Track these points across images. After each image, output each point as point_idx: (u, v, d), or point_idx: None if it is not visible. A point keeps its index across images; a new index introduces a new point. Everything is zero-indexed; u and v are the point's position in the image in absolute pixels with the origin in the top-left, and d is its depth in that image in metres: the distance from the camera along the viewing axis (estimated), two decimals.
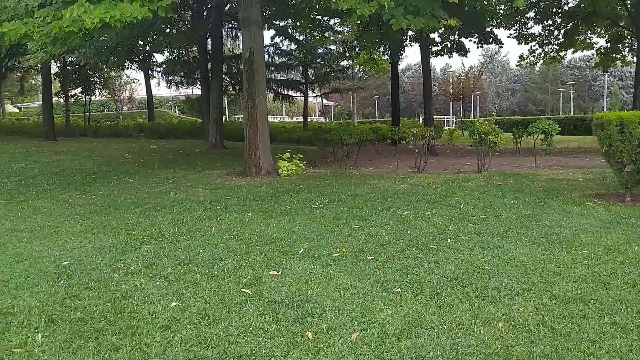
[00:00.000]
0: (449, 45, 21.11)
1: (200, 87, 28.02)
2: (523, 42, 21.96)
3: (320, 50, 27.60)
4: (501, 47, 19.25)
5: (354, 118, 45.91)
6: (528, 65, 23.41)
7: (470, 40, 18.38)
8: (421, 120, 43.56)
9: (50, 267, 5.58)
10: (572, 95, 72.89)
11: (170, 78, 27.26)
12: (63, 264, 5.65)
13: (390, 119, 25.69)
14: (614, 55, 22.53)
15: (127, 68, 29.55)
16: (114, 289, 4.84)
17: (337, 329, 3.82)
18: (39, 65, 30.79)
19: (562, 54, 22.39)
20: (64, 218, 8.02)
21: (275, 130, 25.85)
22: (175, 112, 51.79)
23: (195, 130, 25.93)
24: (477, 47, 19.95)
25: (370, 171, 12.71)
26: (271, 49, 26.77)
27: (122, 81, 39.63)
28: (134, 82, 34.10)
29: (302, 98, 32.00)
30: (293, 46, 27.54)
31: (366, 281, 4.72)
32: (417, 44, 20.73)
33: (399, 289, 4.48)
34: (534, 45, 22.21)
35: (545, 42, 21.85)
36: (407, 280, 4.70)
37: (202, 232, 6.78)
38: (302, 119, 43.87)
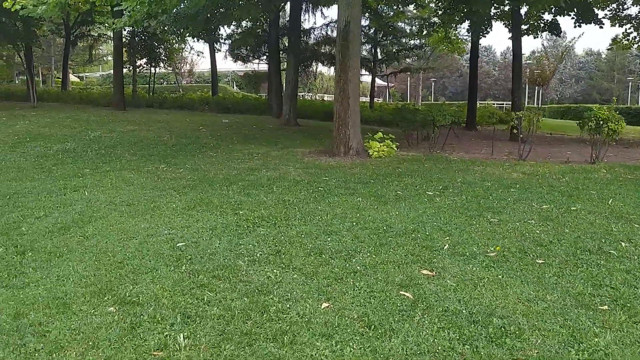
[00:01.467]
0: (535, 24, 19.63)
1: (267, 62, 27.46)
2: (617, 24, 20.24)
3: (391, 28, 26.41)
4: (601, 27, 17.69)
5: (419, 100, 44.41)
6: (620, 47, 21.49)
7: (572, 18, 16.90)
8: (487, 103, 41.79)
9: (164, 248, 4.99)
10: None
11: (237, 51, 26.67)
12: (177, 245, 5.06)
13: (467, 101, 24.28)
14: None
15: (196, 40, 29.18)
16: (246, 280, 4.20)
17: (553, 358, 3.03)
18: (109, 33, 30.85)
19: None
20: (159, 192, 7.48)
21: None
22: (233, 87, 51.57)
23: (259, 106, 25.38)
24: (575, 27, 18.31)
25: (464, 156, 11.74)
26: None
27: (184, 54, 39.49)
28: (199, 55, 33.76)
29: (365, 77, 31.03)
30: (364, 22, 26.46)
31: (553, 292, 3.90)
32: (502, 23, 19.39)
33: (605, 307, 3.64)
34: (629, 28, 20.47)
35: None
36: (606, 294, 3.85)
37: (318, 216, 6.08)
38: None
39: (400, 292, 3.92)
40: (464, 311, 3.60)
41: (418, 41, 26.10)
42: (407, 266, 4.47)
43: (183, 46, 33.88)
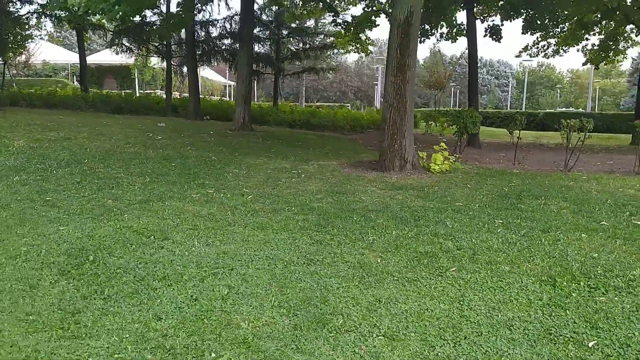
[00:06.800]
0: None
1: (158, 55, 24.06)
2: (529, 32, 21.05)
3: (293, 25, 24.87)
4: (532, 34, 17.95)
5: (302, 101, 43.09)
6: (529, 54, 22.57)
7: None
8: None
9: None
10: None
11: (121, 42, 22.88)
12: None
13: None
14: (602, 53, 22.55)
15: (54, 26, 24.55)
16: None
17: None
18: None
19: (564, 48, 22.01)
20: (306, 237, 5.16)
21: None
22: (74, 82, 45.28)
23: (157, 107, 22.10)
24: (523, 34, 18.56)
25: (497, 167, 10.82)
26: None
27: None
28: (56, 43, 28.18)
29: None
30: (264, 17, 24.53)
31: None
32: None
33: None
34: (540, 37, 21.57)
35: (550, 34, 21.23)
36: None
37: (602, 275, 4.46)
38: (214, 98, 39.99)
39: None
40: None
41: (327, 39, 24.95)
42: None
43: (39, 32, 28.36)
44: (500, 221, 5.99)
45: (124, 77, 43.77)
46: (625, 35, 22.07)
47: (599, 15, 19.96)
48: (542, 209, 6.66)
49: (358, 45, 24.38)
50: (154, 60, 31.95)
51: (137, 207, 6.16)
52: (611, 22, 20.62)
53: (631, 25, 20.71)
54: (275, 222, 5.69)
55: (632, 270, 4.40)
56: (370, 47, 24.87)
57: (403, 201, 6.94)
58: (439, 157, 9.24)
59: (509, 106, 76.73)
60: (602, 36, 21.94)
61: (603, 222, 6.01)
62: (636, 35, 21.35)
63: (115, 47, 23.57)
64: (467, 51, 17.72)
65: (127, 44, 23.57)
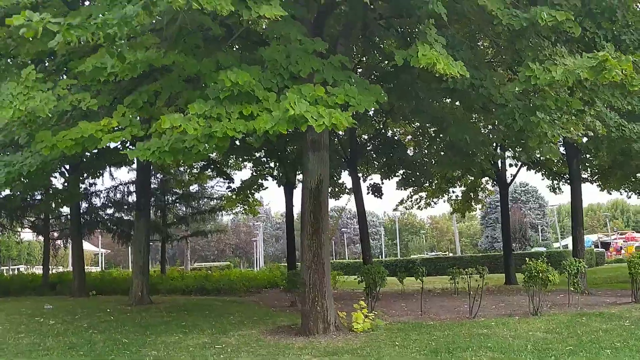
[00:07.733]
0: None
1: (37, 231, 22.76)
2: (403, 188, 23.15)
3: (179, 191, 25.15)
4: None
5: (187, 265, 41.65)
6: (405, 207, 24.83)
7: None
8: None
9: None
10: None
11: None
12: None
13: None
14: (465, 203, 25.29)
15: None
16: None
17: None
18: None
19: (434, 200, 24.45)
20: None
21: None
22: None
23: (31, 285, 20.34)
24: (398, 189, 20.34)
25: (405, 318, 11.16)
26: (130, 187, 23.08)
27: None
28: None
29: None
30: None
31: None
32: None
33: None
34: (412, 192, 23.80)
35: (421, 189, 23.55)
36: None
37: None
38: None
39: None
40: None
41: (212, 202, 25.43)
42: None
43: None
44: None
45: None
46: (482, 186, 25.12)
47: (460, 172, 22.72)
48: None
49: (246, 207, 24.96)
50: (23, 235, 30.10)
51: None
52: (471, 177, 23.46)
53: (486, 178, 23.75)
54: None
55: None
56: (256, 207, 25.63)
57: None
58: (360, 316, 9.38)
59: (383, 254, 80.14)
60: (464, 188, 24.73)
61: None
62: (492, 187, 24.38)
63: None
64: (346, 205, 19.06)
65: None
